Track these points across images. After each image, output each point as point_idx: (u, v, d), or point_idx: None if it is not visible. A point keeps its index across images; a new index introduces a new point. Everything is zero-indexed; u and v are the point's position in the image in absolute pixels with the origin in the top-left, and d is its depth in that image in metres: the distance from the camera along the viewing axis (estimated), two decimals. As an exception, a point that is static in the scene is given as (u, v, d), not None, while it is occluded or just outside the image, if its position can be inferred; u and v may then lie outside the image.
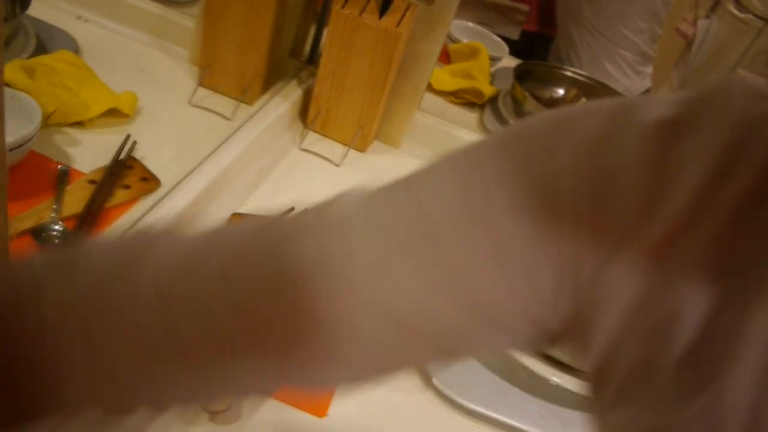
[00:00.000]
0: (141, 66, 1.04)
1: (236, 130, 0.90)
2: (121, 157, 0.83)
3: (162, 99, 0.99)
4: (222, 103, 1.02)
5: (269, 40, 0.97)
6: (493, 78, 1.42)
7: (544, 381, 0.75)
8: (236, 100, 1.03)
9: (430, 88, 1.30)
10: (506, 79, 1.32)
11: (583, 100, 1.40)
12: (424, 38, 1.01)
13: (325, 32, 1.01)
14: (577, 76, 1.42)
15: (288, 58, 1.10)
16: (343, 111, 1.02)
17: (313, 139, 1.05)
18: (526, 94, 1.24)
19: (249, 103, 1.02)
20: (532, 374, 0.76)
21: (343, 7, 0.94)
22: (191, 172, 0.81)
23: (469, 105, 1.31)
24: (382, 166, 1.06)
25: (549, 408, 0.74)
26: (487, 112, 1.28)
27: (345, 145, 1.04)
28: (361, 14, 0.93)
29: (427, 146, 1.12)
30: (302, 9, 1.06)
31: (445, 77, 1.33)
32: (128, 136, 0.87)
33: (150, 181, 0.82)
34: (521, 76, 1.32)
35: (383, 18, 0.94)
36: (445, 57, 1.43)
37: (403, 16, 0.94)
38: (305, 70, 1.09)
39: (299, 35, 1.09)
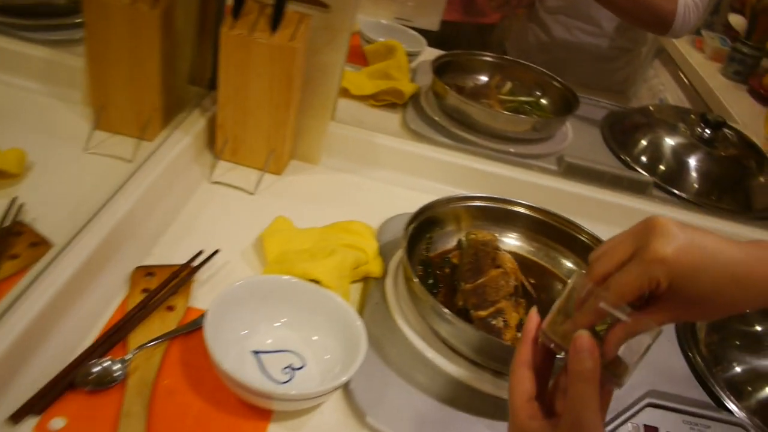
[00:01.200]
0: (29, 116, 0.97)
1: (133, 173, 0.84)
2: (5, 225, 0.77)
3: (55, 150, 0.92)
4: (121, 144, 0.96)
5: (159, 71, 0.91)
6: (414, 74, 1.38)
7: (491, 397, 0.71)
8: (136, 138, 0.97)
9: (348, 94, 1.25)
10: (428, 74, 1.27)
11: (508, 84, 1.36)
12: (326, 48, 0.96)
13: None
14: (498, 60, 1.38)
15: (188, 86, 1.03)
16: (251, 135, 0.97)
17: (224, 169, 0.99)
18: (447, 87, 1.20)
19: (150, 140, 0.96)
20: (475, 392, 0.72)
21: (231, 27, 0.88)
22: (84, 227, 0.75)
23: (391, 106, 1.26)
24: (301, 186, 1.00)
25: (498, 426, 0.70)
26: (410, 112, 1.23)
27: (259, 170, 0.99)
28: (251, 33, 0.88)
29: (347, 158, 1.07)
30: (195, 32, 1.00)
31: (363, 81, 1.28)
32: (14, 200, 0.80)
33: (40, 246, 0.76)
34: (440, 69, 1.28)
35: (275, 34, 0.88)
36: (362, 59, 1.38)
37: (297, 29, 0.89)
38: (208, 96, 1.03)
39: (196, 60, 1.03)
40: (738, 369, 0.80)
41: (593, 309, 0.50)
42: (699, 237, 0.49)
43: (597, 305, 0.50)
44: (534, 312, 0.54)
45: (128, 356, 0.67)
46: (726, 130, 1.30)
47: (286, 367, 0.69)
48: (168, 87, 0.95)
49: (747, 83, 1.87)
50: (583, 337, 0.47)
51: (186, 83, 1.03)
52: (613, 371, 0.50)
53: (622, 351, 0.50)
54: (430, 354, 0.74)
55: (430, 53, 1.41)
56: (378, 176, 1.07)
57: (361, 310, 0.79)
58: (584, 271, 0.54)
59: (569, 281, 0.54)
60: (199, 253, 0.81)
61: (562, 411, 0.47)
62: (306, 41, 0.91)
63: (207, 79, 1.05)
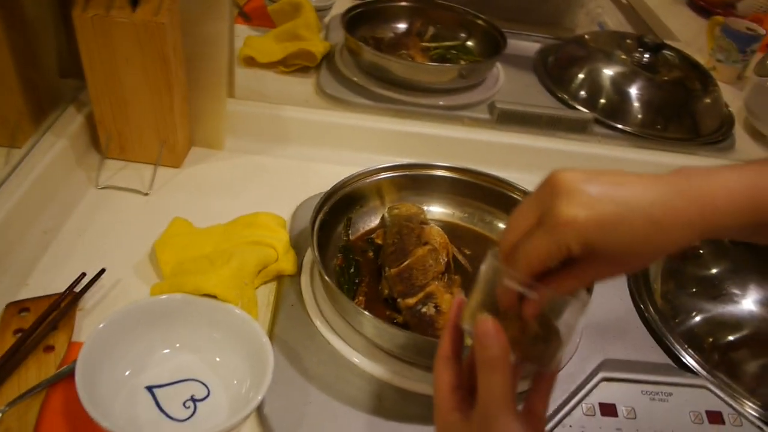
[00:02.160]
0: None
1: (-6, 193, 0.73)
2: None
3: None
4: (-11, 157, 0.83)
5: (13, 67, 0.78)
6: (327, 31, 1.25)
7: (425, 398, 0.63)
8: (7, 147, 0.84)
9: (254, 63, 1.13)
10: (341, 30, 1.15)
11: (431, 29, 1.25)
12: (205, 17, 0.83)
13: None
14: (416, 4, 1.26)
15: (59, 80, 0.90)
16: (136, 128, 0.85)
17: (114, 170, 0.87)
18: (360, 43, 1.08)
19: (21, 146, 0.84)
20: (408, 395, 0.63)
21: (84, 8, 0.75)
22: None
23: (304, 70, 1.14)
24: (203, 177, 0.89)
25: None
26: (324, 74, 1.12)
27: (153, 165, 0.87)
28: (108, 12, 0.75)
29: (255, 137, 0.96)
30: (52, 17, 0.86)
31: (270, 45, 1.15)
32: None
33: None
34: (353, 21, 1.16)
35: (137, 10, 0.76)
36: (269, 21, 1.24)
37: (162, 0, 0.76)
38: (85, 89, 0.90)
39: (63, 49, 0.89)
40: (697, 318, 0.73)
41: (500, 288, 0.45)
42: (607, 186, 0.43)
43: (502, 283, 0.44)
44: (458, 298, 0.48)
45: (-2, 416, 0.57)
46: (666, 52, 1.21)
47: (187, 400, 0.60)
48: (31, 84, 0.83)
49: (686, -5, 1.77)
50: (486, 321, 0.43)
51: (56, 77, 0.90)
52: (538, 354, 0.44)
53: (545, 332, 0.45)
54: (356, 358, 0.65)
55: (342, 5, 1.28)
56: (291, 154, 0.96)
57: (275, 316, 0.70)
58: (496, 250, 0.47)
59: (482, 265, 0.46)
60: (82, 276, 0.70)
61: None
62: (176, 13, 0.79)
63: (80, 70, 0.92)
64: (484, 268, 0.46)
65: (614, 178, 0.43)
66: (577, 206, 0.42)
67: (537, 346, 0.44)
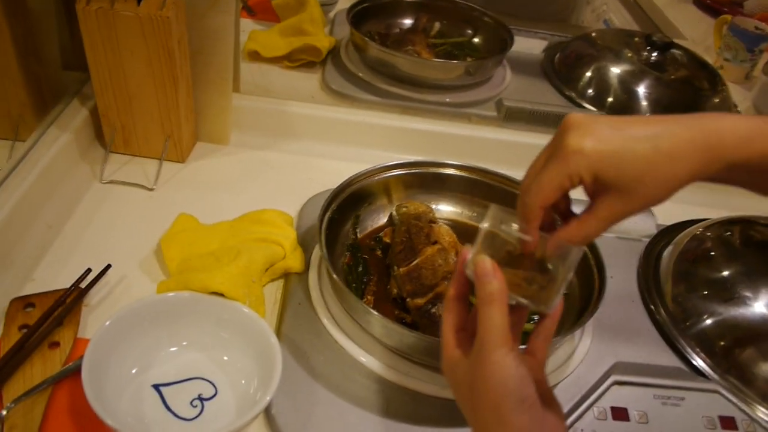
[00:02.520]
0: None
1: (-1, 186, 0.72)
2: None
3: None
4: (-7, 150, 0.82)
5: (16, 60, 0.77)
6: (332, 26, 1.24)
7: (437, 400, 0.62)
8: (11, 141, 0.83)
9: (259, 57, 1.12)
10: (347, 25, 1.14)
11: (437, 25, 1.24)
12: (211, 10, 0.82)
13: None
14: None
15: (63, 73, 0.89)
16: (141, 122, 0.84)
17: (118, 164, 0.86)
18: (365, 38, 1.07)
19: (26, 140, 0.83)
20: (419, 397, 0.63)
21: (88, 2, 0.74)
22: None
23: (309, 65, 1.13)
24: (209, 172, 0.88)
25: None
26: (330, 70, 1.11)
27: (158, 160, 0.86)
28: (113, 5, 0.74)
29: (261, 132, 0.95)
30: (55, 8, 0.85)
31: (275, 40, 1.14)
32: None
33: None
34: (358, 17, 1.15)
35: (142, 3, 0.74)
36: (273, 15, 1.23)
37: (169, -7, 0.75)
38: (89, 82, 0.89)
39: (66, 41, 0.88)
40: (708, 321, 0.72)
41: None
42: (616, 122, 0.46)
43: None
44: (465, 249, 0.49)
45: (2, 413, 0.56)
46: (674, 51, 1.20)
47: (194, 399, 0.59)
48: (34, 77, 0.82)
49: (692, -6, 1.76)
50: (484, 261, 0.46)
51: (59, 69, 0.89)
52: (536, 296, 0.47)
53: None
54: (364, 358, 0.64)
55: (347, 0, 1.27)
56: (296, 149, 0.95)
57: (282, 314, 0.69)
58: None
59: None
60: (88, 271, 0.69)
61: None
62: (181, 6, 0.77)
63: (84, 62, 0.90)
64: (485, 220, 0.49)
65: (624, 118, 0.47)
66: (586, 138, 0.45)
67: (535, 289, 0.47)
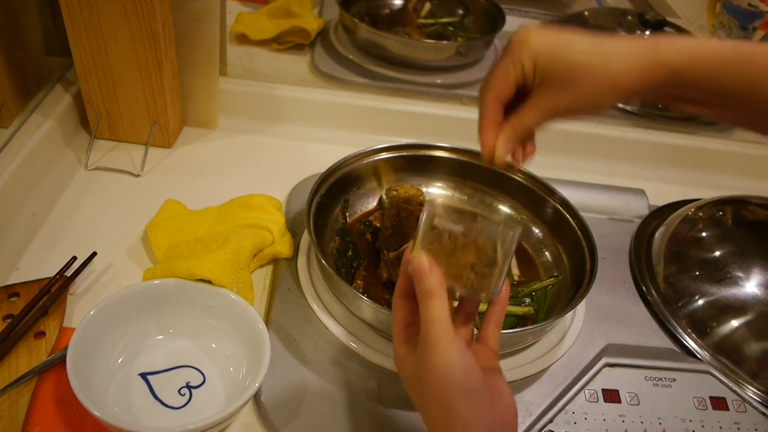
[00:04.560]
0: None
1: (-20, 175, 0.70)
2: None
3: None
4: (-27, 138, 0.81)
5: (-3, 46, 0.76)
6: (321, 7, 1.22)
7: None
8: (-7, 128, 0.82)
9: (247, 40, 1.10)
10: (336, 6, 1.13)
11: (427, 5, 1.22)
12: (196, -7, 0.80)
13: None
14: (412, -21, 1.23)
15: (46, 58, 0.88)
16: (125, 107, 0.83)
17: (104, 151, 0.85)
18: (355, 20, 1.06)
19: (8, 127, 0.81)
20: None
21: (69, -18, 0.72)
22: None
23: (298, 48, 1.11)
24: (196, 157, 0.87)
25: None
26: (319, 52, 1.09)
27: (144, 145, 0.85)
28: (95, -14, 0.72)
29: (249, 116, 0.94)
30: (36, -7, 0.83)
31: (263, 22, 1.12)
32: None
33: None
34: (347, -2, 1.13)
35: (125, -16, 0.73)
36: (261, -4, 1.21)
37: (152, -26, 0.74)
38: (73, 67, 0.87)
39: (48, 26, 0.87)
40: (700, 302, 0.72)
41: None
42: (562, 30, 0.51)
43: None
44: (408, 244, 0.50)
45: (-12, 404, 0.55)
46: (667, 29, 1.19)
47: (182, 387, 0.59)
48: (16, 62, 0.80)
49: (686, -29, 1.74)
50: (419, 257, 0.45)
51: (42, 55, 0.87)
52: (479, 284, 0.46)
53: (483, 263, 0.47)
54: (354, 344, 0.64)
55: (337, -19, 1.25)
56: (285, 133, 0.94)
57: (271, 300, 0.68)
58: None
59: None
60: (73, 259, 0.68)
61: None
62: (166, -12, 0.76)
63: (67, 47, 0.89)
64: (423, 216, 0.48)
65: (577, 31, 0.51)
66: (531, 34, 0.50)
67: (476, 277, 0.46)
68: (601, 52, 0.49)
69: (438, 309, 0.44)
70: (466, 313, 0.48)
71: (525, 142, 0.55)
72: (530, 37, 0.50)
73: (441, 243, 0.47)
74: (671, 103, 0.52)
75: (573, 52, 0.49)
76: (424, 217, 0.47)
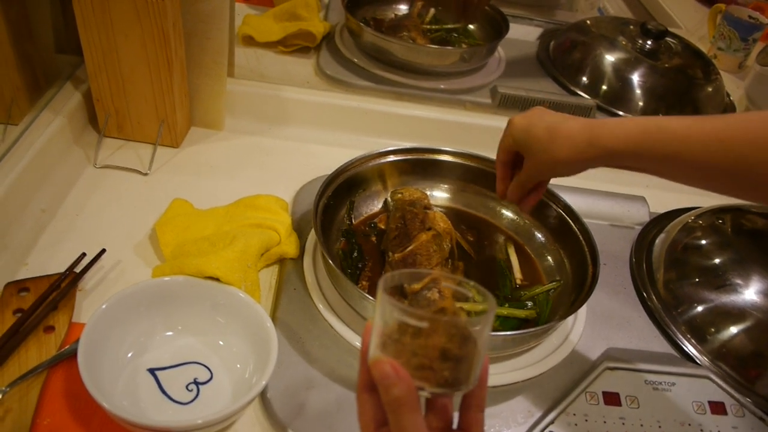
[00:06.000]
0: None
1: (-8, 170, 0.71)
2: None
3: None
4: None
5: (9, 41, 0.77)
6: (327, 11, 1.23)
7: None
8: (4, 124, 0.82)
9: (253, 42, 1.11)
10: (341, 10, 1.14)
11: (431, 11, 1.23)
12: (206, -6, 0.81)
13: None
14: (417, -15, 1.24)
15: (56, 56, 0.89)
16: (135, 106, 0.84)
17: (112, 149, 0.86)
18: (360, 24, 1.07)
19: (18, 123, 0.82)
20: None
21: (83, -18, 0.73)
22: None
23: (303, 51, 1.12)
24: (203, 158, 0.88)
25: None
26: (324, 55, 1.10)
27: (152, 145, 0.86)
28: (108, -14, 0.73)
29: (255, 118, 0.95)
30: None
31: (269, 25, 1.13)
32: None
33: None
34: (353, 3, 1.15)
35: (138, -16, 0.74)
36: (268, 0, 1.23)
37: (164, -25, 0.75)
38: (83, 65, 0.88)
39: (59, 23, 0.87)
40: (699, 309, 0.73)
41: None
42: (546, 112, 0.64)
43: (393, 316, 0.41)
44: (368, 323, 0.43)
45: (-2, 397, 0.56)
46: (669, 39, 1.20)
47: (190, 383, 0.59)
48: (28, 60, 0.81)
49: (686, -18, 1.76)
50: (381, 364, 0.39)
51: (53, 53, 0.88)
52: (453, 376, 0.40)
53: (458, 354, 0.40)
54: (359, 343, 0.65)
55: (343, -15, 1.26)
56: (291, 135, 0.95)
57: (277, 299, 0.69)
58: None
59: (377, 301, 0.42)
60: (82, 256, 0.69)
61: None
62: (178, -11, 0.77)
63: (77, 45, 0.90)
64: (377, 302, 0.42)
65: (556, 113, 0.63)
66: (519, 117, 0.65)
67: (450, 367, 0.40)
68: (553, 131, 0.60)
69: (410, 421, 0.38)
70: (440, 409, 0.42)
71: (530, 193, 0.68)
72: (514, 118, 0.65)
73: (407, 332, 0.40)
74: (618, 168, 0.61)
75: (537, 129, 0.61)
76: (380, 305, 0.41)
